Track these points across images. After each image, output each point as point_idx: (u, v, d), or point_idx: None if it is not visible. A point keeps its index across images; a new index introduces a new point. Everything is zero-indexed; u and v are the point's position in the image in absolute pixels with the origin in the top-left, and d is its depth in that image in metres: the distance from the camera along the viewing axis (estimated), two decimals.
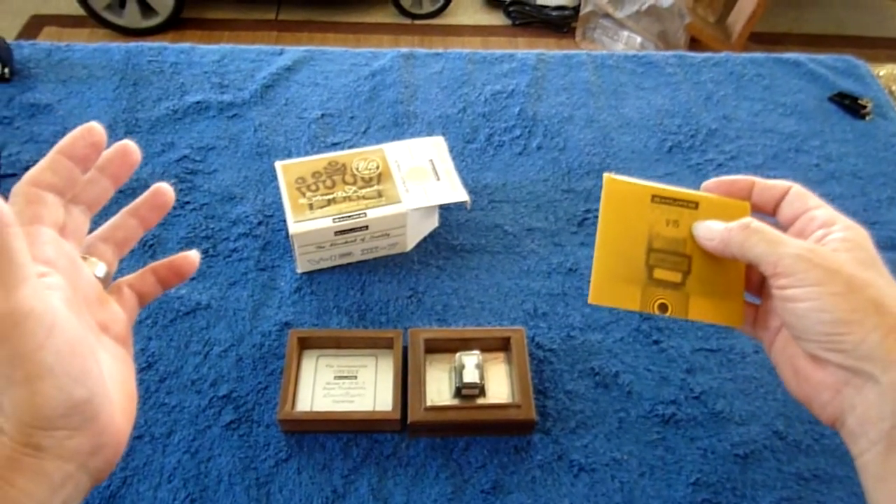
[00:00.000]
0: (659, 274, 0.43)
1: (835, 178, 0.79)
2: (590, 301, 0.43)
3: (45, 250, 0.33)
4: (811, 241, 0.40)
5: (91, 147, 0.36)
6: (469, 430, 0.56)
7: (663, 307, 0.43)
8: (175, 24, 2.34)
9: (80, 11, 2.25)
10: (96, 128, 0.36)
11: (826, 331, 0.36)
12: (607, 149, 0.80)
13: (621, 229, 0.44)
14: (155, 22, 2.31)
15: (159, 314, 0.63)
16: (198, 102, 0.82)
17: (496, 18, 2.52)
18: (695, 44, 2.24)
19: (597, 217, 0.72)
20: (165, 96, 0.83)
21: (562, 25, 2.44)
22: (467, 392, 0.56)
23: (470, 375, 0.55)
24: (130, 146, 0.39)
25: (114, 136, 0.78)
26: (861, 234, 0.39)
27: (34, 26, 2.37)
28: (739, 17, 2.15)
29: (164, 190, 0.41)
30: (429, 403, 0.55)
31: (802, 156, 0.81)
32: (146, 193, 0.41)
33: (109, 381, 0.34)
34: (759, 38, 2.29)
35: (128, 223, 0.41)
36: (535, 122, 0.83)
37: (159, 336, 0.61)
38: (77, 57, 0.87)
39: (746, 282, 0.44)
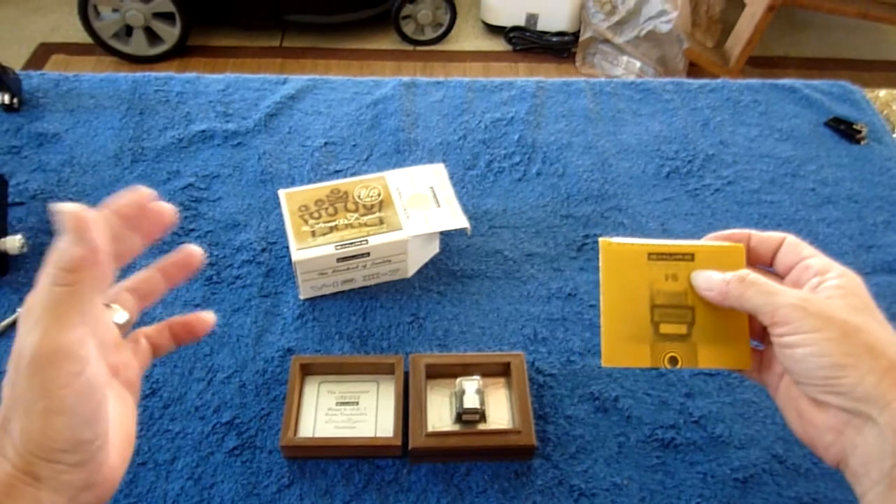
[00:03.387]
0: (665, 329, 0.45)
1: (831, 202, 0.80)
2: (603, 364, 0.45)
3: (103, 291, 0.35)
4: (807, 289, 0.42)
5: (138, 209, 0.39)
6: (470, 456, 0.56)
7: (673, 360, 0.44)
8: (181, 52, 2.37)
9: (88, 39, 2.29)
10: (146, 193, 0.39)
11: (824, 374, 0.38)
12: (606, 175, 0.81)
13: (623, 290, 0.45)
14: (161, 50, 2.34)
15: None
16: (203, 131, 0.84)
17: (497, 44, 2.55)
18: (693, 68, 2.27)
19: (595, 243, 0.74)
20: (171, 125, 0.85)
21: (562, 51, 2.47)
22: (468, 417, 0.56)
23: (470, 401, 0.56)
24: (166, 208, 0.41)
25: (120, 164, 0.79)
26: (854, 281, 0.41)
27: (42, 54, 2.40)
28: (737, 42, 2.17)
29: (193, 252, 0.44)
30: (430, 429, 0.55)
31: (799, 180, 0.82)
32: (176, 252, 0.44)
33: (112, 424, 0.36)
34: (756, 62, 2.32)
35: (154, 278, 0.43)
36: (535, 149, 0.84)
37: (163, 362, 0.62)
38: (85, 87, 0.89)
39: (750, 329, 0.45)
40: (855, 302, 0.40)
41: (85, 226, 0.34)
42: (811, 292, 0.41)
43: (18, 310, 0.64)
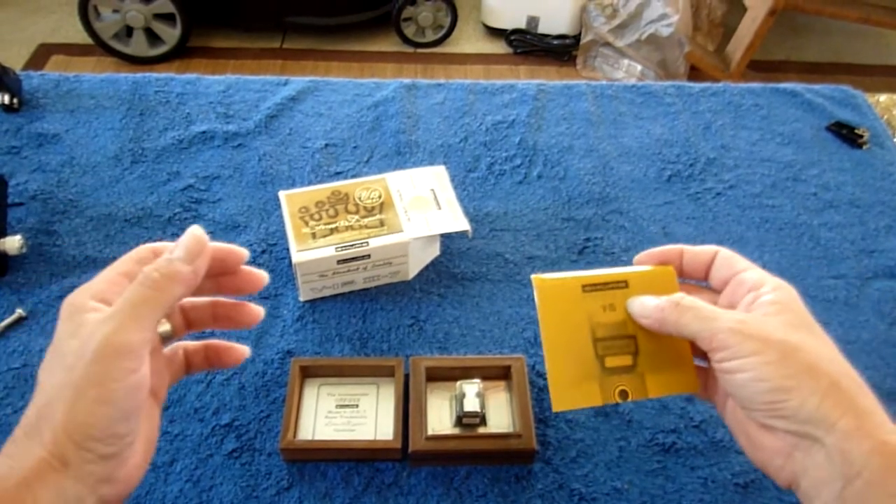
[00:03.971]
0: (610, 362, 0.44)
1: (833, 206, 0.79)
2: (554, 410, 0.43)
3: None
4: (742, 306, 0.41)
5: (232, 262, 0.42)
6: (470, 460, 0.56)
7: (623, 394, 0.44)
8: (181, 53, 2.37)
9: (88, 40, 2.29)
10: (245, 256, 0.43)
11: (767, 399, 0.37)
12: (607, 178, 0.81)
13: (563, 328, 0.44)
14: (161, 51, 2.34)
15: None
16: (203, 132, 0.83)
17: (498, 47, 2.55)
18: (694, 72, 2.27)
19: (597, 246, 0.73)
20: (171, 126, 0.84)
21: (563, 54, 2.47)
22: (468, 421, 0.56)
23: (471, 404, 0.55)
24: (260, 278, 0.44)
25: (120, 165, 0.79)
26: (790, 295, 0.41)
27: (42, 55, 2.40)
28: (738, 46, 2.17)
29: (251, 309, 0.44)
30: (430, 432, 0.55)
31: (800, 185, 0.82)
32: (236, 304, 0.45)
33: (140, 428, 0.38)
34: (757, 66, 2.32)
35: (205, 309, 0.45)
36: (536, 152, 0.84)
37: None
38: (85, 87, 0.89)
39: (693, 349, 0.44)
40: (791, 317, 0.39)
41: (203, 251, 0.38)
42: (746, 309, 0.41)
43: (18, 310, 0.64)
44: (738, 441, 0.42)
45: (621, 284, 0.44)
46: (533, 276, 0.45)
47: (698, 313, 0.40)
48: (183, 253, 0.38)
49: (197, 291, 0.41)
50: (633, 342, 0.44)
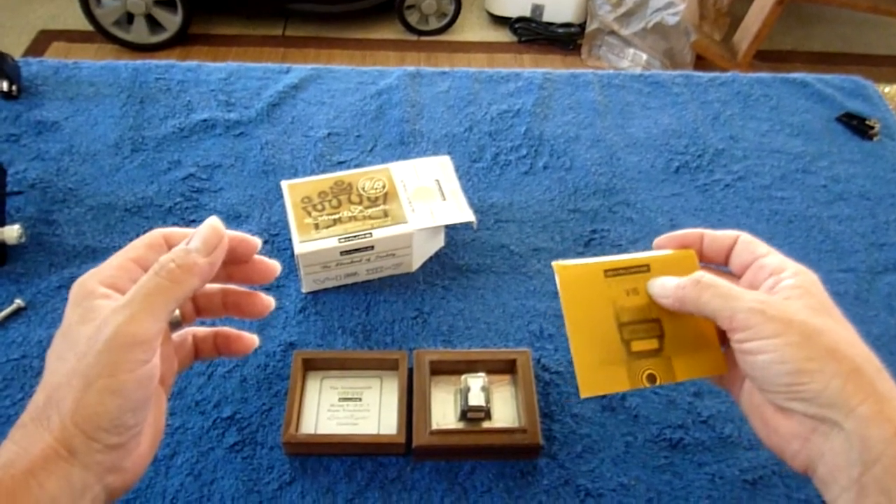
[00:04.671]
0: (637, 346, 0.43)
1: (843, 199, 0.78)
2: (582, 396, 0.43)
3: (130, 286, 0.38)
4: (763, 290, 0.40)
5: (244, 251, 0.42)
6: (474, 454, 0.55)
7: (652, 378, 0.43)
8: (182, 40, 2.36)
9: (88, 27, 2.27)
10: (258, 245, 0.43)
11: (787, 381, 0.37)
12: (614, 168, 0.80)
13: (587, 314, 0.43)
14: (162, 37, 2.33)
15: None
16: (204, 120, 0.82)
17: (502, 35, 2.53)
18: (701, 61, 2.25)
19: (603, 238, 0.72)
20: (172, 114, 0.83)
21: (568, 42, 2.45)
22: (473, 415, 0.55)
23: (475, 398, 0.55)
24: (274, 265, 0.44)
25: (120, 153, 0.78)
26: (810, 280, 0.40)
27: (42, 41, 2.39)
28: (745, 36, 2.15)
29: (264, 299, 0.44)
30: (434, 427, 0.54)
31: (810, 177, 0.81)
32: (247, 293, 0.44)
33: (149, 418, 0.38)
34: (765, 56, 2.29)
35: (214, 297, 0.45)
36: (542, 142, 0.83)
37: None
38: (84, 74, 0.88)
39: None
40: (813, 302, 0.39)
41: (220, 243, 0.38)
42: (768, 292, 0.40)
43: (17, 300, 0.63)
44: (753, 425, 0.41)
45: (643, 268, 0.44)
46: (554, 263, 0.44)
47: (718, 291, 0.40)
48: (200, 244, 0.38)
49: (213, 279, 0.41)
50: (658, 326, 0.43)
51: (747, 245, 0.43)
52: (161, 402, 0.40)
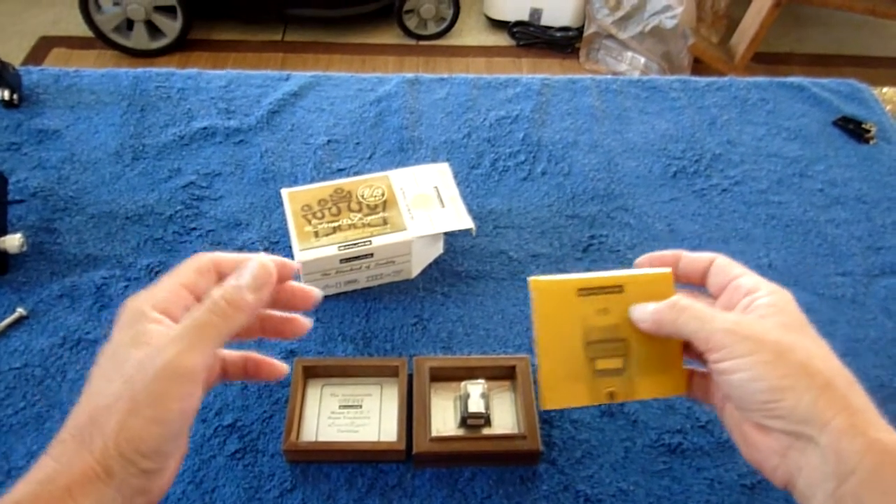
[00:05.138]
0: (601, 364, 0.45)
1: (839, 203, 0.79)
2: (543, 408, 0.45)
3: (178, 313, 0.39)
4: (738, 310, 0.42)
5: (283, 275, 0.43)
6: (475, 461, 0.56)
7: (612, 395, 0.45)
8: (182, 46, 2.36)
9: (88, 33, 2.28)
10: (295, 268, 0.44)
11: (762, 399, 0.38)
12: (612, 174, 0.80)
13: (556, 330, 0.45)
14: (162, 44, 2.33)
15: None
16: (204, 128, 0.83)
17: (500, 39, 2.54)
18: (698, 64, 2.25)
19: (602, 243, 0.73)
20: (172, 122, 0.84)
21: (566, 46, 2.45)
22: (473, 422, 0.55)
23: (475, 405, 0.55)
24: (312, 296, 0.46)
25: (121, 161, 0.78)
26: (785, 298, 0.41)
27: (42, 48, 2.39)
28: (743, 38, 2.16)
29: (301, 322, 0.46)
30: (434, 434, 0.55)
31: (807, 181, 0.81)
32: (286, 318, 0.46)
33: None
34: (761, 59, 2.30)
35: (255, 323, 0.46)
36: (540, 148, 0.83)
37: None
38: (85, 82, 0.88)
39: (693, 353, 0.45)
40: (786, 319, 0.40)
41: (269, 281, 0.39)
42: (743, 312, 0.41)
43: (18, 309, 0.64)
44: (735, 442, 0.42)
45: (617, 289, 0.45)
46: (530, 279, 0.45)
47: (695, 313, 0.41)
48: (251, 280, 0.39)
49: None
50: (625, 345, 0.45)
51: (723, 267, 0.44)
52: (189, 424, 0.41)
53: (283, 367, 0.48)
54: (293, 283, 0.45)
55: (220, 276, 0.42)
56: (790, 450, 0.38)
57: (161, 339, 0.37)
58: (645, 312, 0.43)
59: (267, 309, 0.45)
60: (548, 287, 0.45)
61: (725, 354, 0.39)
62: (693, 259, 0.45)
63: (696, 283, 0.46)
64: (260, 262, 0.40)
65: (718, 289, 0.44)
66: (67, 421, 0.36)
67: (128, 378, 0.36)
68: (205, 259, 0.41)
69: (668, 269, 0.45)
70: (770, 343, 0.38)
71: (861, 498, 0.35)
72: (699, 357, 0.45)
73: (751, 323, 0.39)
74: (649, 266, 0.46)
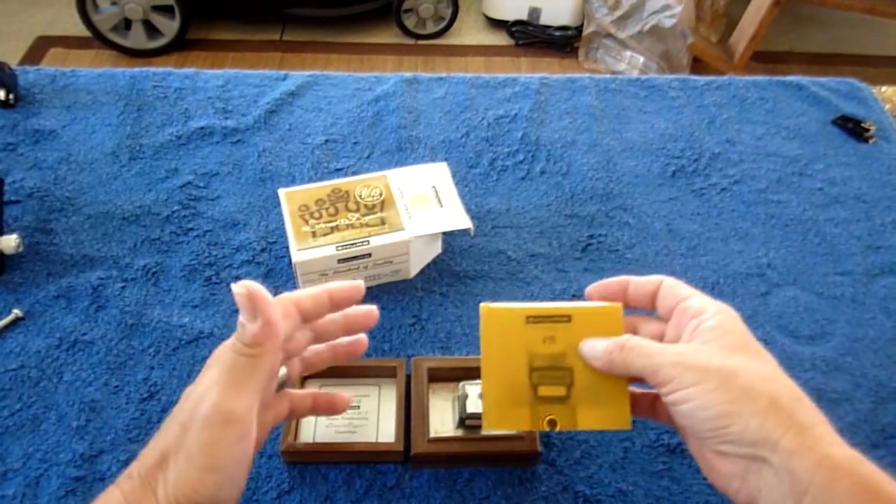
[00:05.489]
0: (543, 391, 0.45)
1: (839, 202, 0.78)
2: (483, 429, 0.46)
3: (276, 368, 0.41)
4: (686, 334, 0.42)
5: (350, 301, 0.46)
6: (473, 462, 0.56)
7: (552, 423, 0.45)
8: (180, 46, 2.35)
9: (86, 33, 2.27)
10: (361, 288, 0.46)
11: (711, 426, 0.38)
12: (611, 173, 0.80)
13: (502, 355, 0.45)
14: (160, 43, 2.33)
15: (162, 343, 0.63)
16: (202, 128, 0.82)
17: (499, 38, 2.53)
18: (697, 63, 2.25)
19: (601, 243, 0.73)
20: (169, 122, 0.83)
21: (565, 45, 2.45)
22: (471, 423, 0.55)
23: (473, 406, 0.55)
24: (374, 313, 0.48)
25: (117, 161, 0.78)
26: (729, 317, 0.42)
27: (40, 47, 2.39)
28: (742, 37, 2.16)
29: (364, 342, 0.50)
30: (432, 435, 0.54)
31: (806, 180, 0.81)
32: (351, 340, 0.49)
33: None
34: (760, 58, 2.30)
35: (324, 353, 0.49)
36: (539, 147, 0.83)
37: (162, 365, 0.61)
38: (82, 82, 0.88)
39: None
40: (730, 340, 0.40)
41: (256, 303, 0.38)
42: (690, 337, 0.42)
43: (14, 310, 0.64)
44: (701, 466, 0.42)
45: (564, 319, 0.45)
46: (481, 305, 0.46)
47: (641, 351, 0.41)
48: (243, 312, 0.39)
49: (324, 336, 0.47)
50: (570, 374, 0.45)
51: (671, 289, 0.44)
52: (249, 464, 0.41)
53: (347, 397, 0.50)
54: (356, 308, 0.47)
55: (306, 316, 0.44)
56: (748, 472, 0.38)
57: (205, 383, 0.37)
58: (596, 350, 0.44)
59: (338, 332, 0.48)
60: (496, 313, 0.46)
61: (673, 387, 0.39)
62: (641, 283, 0.46)
63: (645, 307, 0.46)
64: (239, 293, 0.38)
65: (667, 311, 0.44)
66: (140, 455, 0.38)
67: (182, 424, 0.37)
68: (285, 302, 0.43)
69: (618, 304, 0.46)
70: (713, 370, 0.38)
71: None
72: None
73: (695, 352, 0.40)
74: (599, 296, 0.47)
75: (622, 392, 0.44)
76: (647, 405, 0.46)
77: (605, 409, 0.44)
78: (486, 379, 0.45)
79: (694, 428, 0.39)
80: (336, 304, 0.45)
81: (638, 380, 0.43)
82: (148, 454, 0.38)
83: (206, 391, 0.37)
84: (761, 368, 0.39)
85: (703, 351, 0.40)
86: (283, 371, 0.45)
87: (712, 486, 0.41)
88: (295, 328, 0.44)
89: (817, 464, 0.35)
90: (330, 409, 0.49)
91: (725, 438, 0.38)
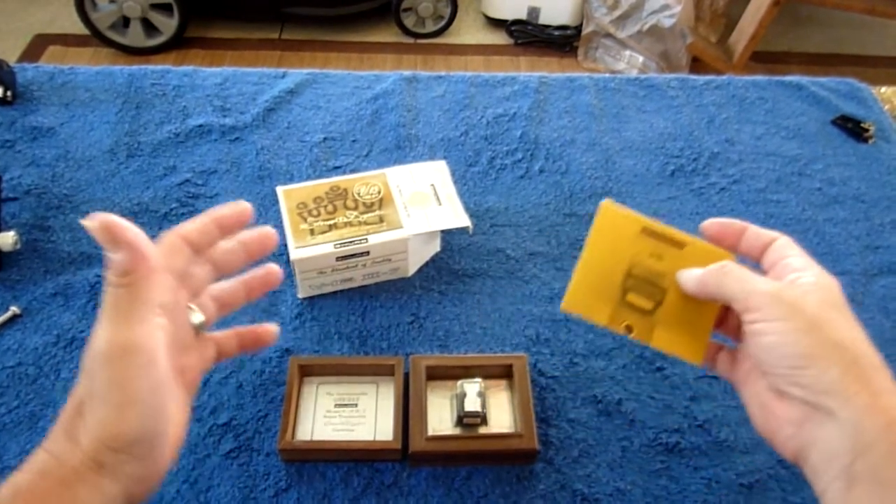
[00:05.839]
0: (632, 298, 0.45)
1: (838, 202, 0.78)
2: (562, 308, 0.46)
3: (162, 295, 0.39)
4: (784, 282, 0.42)
5: (237, 222, 0.44)
6: (471, 460, 0.55)
7: (629, 328, 0.45)
8: (178, 44, 2.35)
9: (84, 31, 2.27)
10: (247, 208, 0.44)
11: (789, 364, 0.38)
12: (609, 172, 0.80)
13: (606, 250, 0.46)
14: (158, 41, 2.32)
15: None
16: (200, 126, 0.82)
17: (498, 38, 2.53)
18: (697, 63, 2.25)
19: None
20: (168, 119, 0.83)
21: (564, 45, 2.45)
22: (469, 421, 0.55)
23: (472, 404, 0.55)
24: (271, 233, 0.46)
25: (115, 159, 0.78)
26: (831, 282, 0.41)
27: (38, 45, 2.38)
28: (741, 37, 2.16)
29: (275, 271, 0.48)
30: (430, 433, 0.54)
31: (805, 179, 0.81)
32: (260, 271, 0.47)
33: (171, 423, 0.38)
34: (760, 58, 2.30)
35: (237, 290, 0.47)
36: (537, 146, 0.83)
37: None
38: (80, 80, 0.87)
39: (726, 326, 0.46)
40: (829, 298, 0.40)
41: (114, 231, 0.36)
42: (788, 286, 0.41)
43: (12, 307, 0.63)
44: (751, 412, 0.42)
45: (677, 244, 0.46)
46: (604, 200, 0.46)
47: (739, 276, 0.41)
48: (106, 247, 0.37)
49: (226, 267, 0.45)
50: (662, 294, 0.45)
51: (781, 246, 0.44)
52: (183, 404, 0.40)
53: (274, 328, 0.48)
54: (250, 231, 0.45)
55: (195, 246, 0.42)
56: (807, 421, 0.38)
57: (97, 328, 0.36)
58: (692, 274, 0.44)
59: (240, 260, 0.45)
60: (615, 212, 0.46)
61: (761, 316, 0.39)
62: (758, 234, 0.45)
63: (753, 259, 0.46)
64: (92, 225, 0.36)
65: (770, 265, 0.44)
66: (61, 414, 0.37)
67: (87, 371, 0.36)
68: (170, 237, 0.41)
69: (731, 255, 0.45)
70: (807, 313, 0.38)
71: (879, 474, 0.35)
72: (735, 331, 0.45)
73: (792, 292, 0.40)
74: (715, 231, 0.46)
75: (704, 328, 0.45)
76: (735, 325, 0.45)
77: (683, 336, 0.45)
78: (582, 263, 0.45)
79: (769, 362, 0.39)
80: (224, 228, 0.43)
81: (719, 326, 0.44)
82: (68, 409, 0.36)
83: (98, 333, 0.36)
84: (852, 331, 0.39)
85: (802, 294, 0.39)
86: (199, 317, 0.43)
87: (758, 431, 0.41)
88: (188, 262, 0.42)
89: (887, 425, 0.35)
90: (257, 342, 0.48)
91: (799, 380, 0.38)
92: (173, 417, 0.38)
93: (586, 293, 0.45)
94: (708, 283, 0.43)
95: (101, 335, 0.36)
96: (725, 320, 0.46)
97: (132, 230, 0.37)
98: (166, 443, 0.37)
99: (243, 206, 0.44)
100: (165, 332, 0.38)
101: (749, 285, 0.40)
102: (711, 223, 0.46)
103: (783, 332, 0.38)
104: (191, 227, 0.42)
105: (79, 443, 0.35)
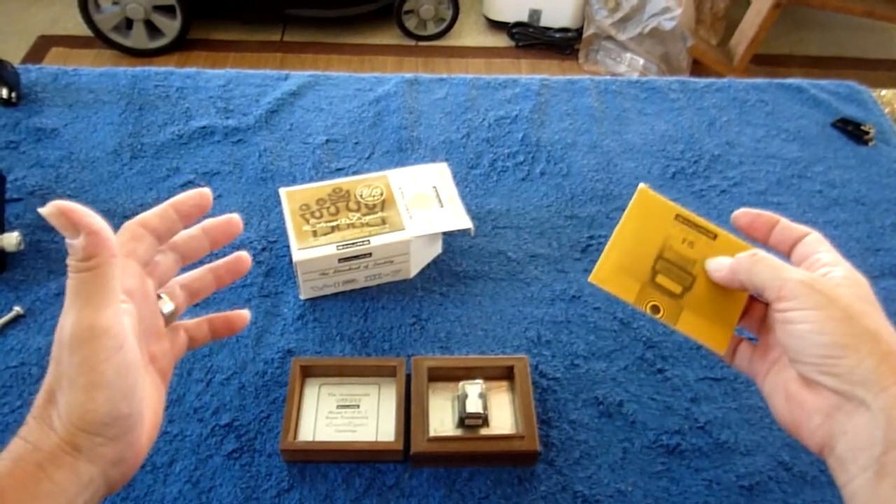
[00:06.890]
0: (661, 280, 0.46)
1: (838, 204, 0.79)
2: (590, 279, 0.46)
3: (128, 281, 0.39)
4: (816, 274, 0.42)
5: (197, 208, 0.43)
6: (472, 461, 0.56)
7: (656, 309, 0.45)
8: (181, 46, 2.36)
9: (88, 32, 2.27)
10: (207, 195, 0.44)
11: (822, 353, 0.38)
12: (610, 175, 0.80)
13: (639, 231, 0.47)
14: (161, 43, 2.33)
15: None
16: (203, 127, 0.83)
17: (500, 40, 2.54)
18: (697, 66, 2.25)
19: (601, 244, 0.73)
20: (171, 121, 0.83)
21: (565, 47, 2.45)
22: (470, 422, 0.55)
23: (473, 405, 0.55)
24: (235, 220, 0.46)
25: (119, 160, 0.78)
26: (862, 278, 0.41)
27: (41, 47, 2.39)
28: (742, 40, 2.16)
29: (244, 258, 0.48)
30: (432, 434, 0.55)
31: (806, 182, 0.81)
32: (229, 258, 0.48)
33: (144, 406, 0.38)
34: (760, 60, 2.30)
35: (206, 278, 0.47)
36: (539, 148, 0.83)
37: None
38: (83, 81, 0.88)
39: (750, 318, 0.46)
40: (861, 292, 0.40)
41: (73, 217, 0.36)
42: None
43: (16, 308, 0.64)
44: (774, 404, 0.42)
45: (710, 234, 0.47)
46: (641, 184, 0.48)
47: (771, 264, 0.41)
48: (65, 232, 0.36)
49: (191, 254, 0.45)
50: (691, 280, 0.46)
51: (812, 242, 0.44)
52: (158, 390, 0.41)
53: (246, 313, 0.48)
54: (215, 219, 0.45)
55: (157, 234, 0.42)
56: (837, 411, 0.38)
57: (62, 316, 0.36)
58: (722, 262, 0.44)
59: (205, 248, 0.45)
60: (651, 197, 0.47)
61: (795, 304, 0.39)
62: (789, 228, 0.45)
63: (782, 252, 0.46)
64: (46, 213, 0.36)
65: (800, 259, 0.44)
66: (34, 402, 0.37)
67: (56, 358, 0.36)
68: (131, 226, 0.41)
69: (761, 252, 0.46)
70: (842, 302, 0.38)
71: None
72: (759, 323, 0.46)
73: (826, 282, 0.40)
74: (749, 220, 0.47)
75: (731, 318, 0.45)
76: (759, 318, 0.46)
77: (710, 323, 0.45)
78: (614, 241, 0.46)
79: (801, 351, 0.39)
80: (183, 214, 0.43)
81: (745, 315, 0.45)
82: (40, 396, 0.36)
83: (63, 320, 0.36)
84: (885, 324, 0.39)
85: (835, 285, 0.39)
86: (169, 306, 0.43)
87: (780, 422, 0.41)
88: (152, 250, 0.42)
89: None
90: (229, 328, 0.48)
91: (832, 370, 0.37)
92: (146, 401, 0.39)
93: (616, 269, 0.46)
94: (739, 270, 0.43)
95: (67, 321, 0.35)
96: (748, 312, 0.46)
97: (91, 215, 0.36)
98: (141, 426, 0.38)
99: (203, 192, 0.44)
100: (133, 318, 0.38)
101: (784, 273, 0.40)
102: (743, 213, 0.46)
103: (818, 321, 0.38)
104: (150, 214, 0.42)
105: (53, 427, 0.35)
